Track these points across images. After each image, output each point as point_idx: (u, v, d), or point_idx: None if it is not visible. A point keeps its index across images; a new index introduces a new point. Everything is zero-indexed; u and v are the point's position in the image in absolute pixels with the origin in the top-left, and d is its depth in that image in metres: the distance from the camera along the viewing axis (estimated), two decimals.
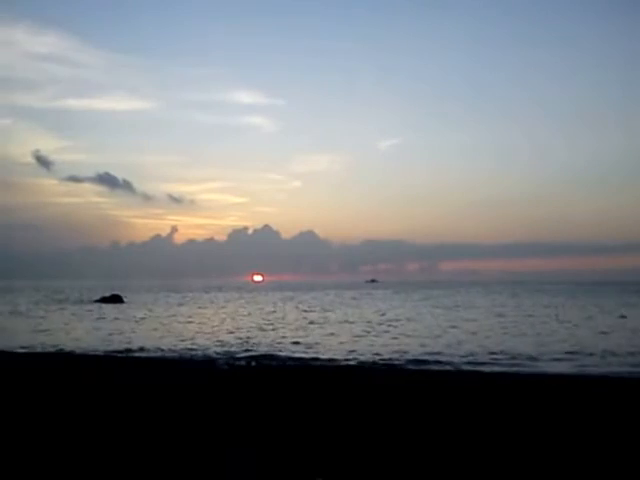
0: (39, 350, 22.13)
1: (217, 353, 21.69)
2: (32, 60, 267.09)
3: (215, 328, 32.83)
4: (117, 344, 24.44)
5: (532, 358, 19.76)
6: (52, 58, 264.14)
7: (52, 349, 22.43)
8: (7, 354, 19.53)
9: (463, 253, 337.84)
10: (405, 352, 21.50)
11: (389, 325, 33.89)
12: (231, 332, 30.42)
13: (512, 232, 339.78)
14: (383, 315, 42.67)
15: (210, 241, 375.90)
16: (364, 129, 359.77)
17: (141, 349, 22.78)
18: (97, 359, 18.48)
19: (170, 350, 22.64)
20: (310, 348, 23.19)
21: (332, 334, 28.99)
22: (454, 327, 31.81)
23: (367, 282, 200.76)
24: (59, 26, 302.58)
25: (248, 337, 27.59)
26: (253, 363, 18.25)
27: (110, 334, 28.90)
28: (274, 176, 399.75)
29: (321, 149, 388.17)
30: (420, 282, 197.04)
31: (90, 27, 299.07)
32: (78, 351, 21.67)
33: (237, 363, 18.08)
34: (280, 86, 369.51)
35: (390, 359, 19.57)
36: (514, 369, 17.40)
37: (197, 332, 30.31)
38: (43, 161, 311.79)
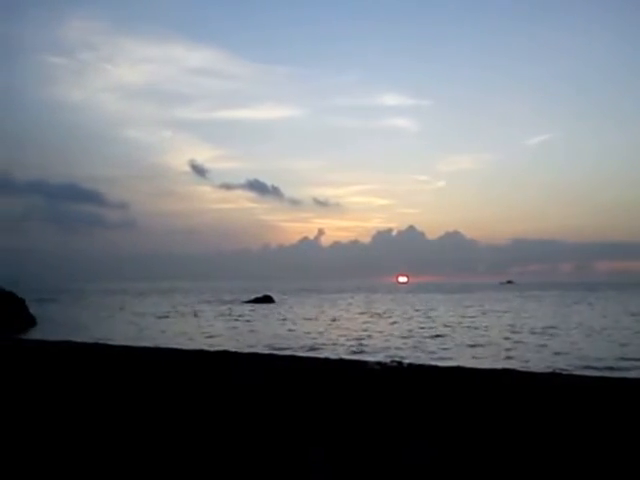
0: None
1: (370, 352, 21.92)
2: (188, 75, 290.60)
3: (366, 329, 32.90)
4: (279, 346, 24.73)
5: None
6: (206, 72, 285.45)
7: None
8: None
9: (619, 253, 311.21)
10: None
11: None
12: (381, 332, 30.65)
13: None
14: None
15: (355, 243, 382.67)
16: (511, 126, 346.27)
17: (294, 348, 23.40)
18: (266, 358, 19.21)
19: (320, 349, 23.14)
20: (459, 350, 22.76)
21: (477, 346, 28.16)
22: None
23: (502, 284, 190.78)
24: (212, 42, 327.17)
25: (402, 337, 27.67)
26: (405, 364, 18.26)
27: (265, 333, 30.30)
28: (418, 177, 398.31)
29: (466, 148, 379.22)
30: (568, 284, 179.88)
31: (239, 41, 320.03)
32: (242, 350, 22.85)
33: (389, 364, 18.18)
34: (424, 87, 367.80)
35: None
36: None
37: (346, 331, 30.73)
38: (199, 169, 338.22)
